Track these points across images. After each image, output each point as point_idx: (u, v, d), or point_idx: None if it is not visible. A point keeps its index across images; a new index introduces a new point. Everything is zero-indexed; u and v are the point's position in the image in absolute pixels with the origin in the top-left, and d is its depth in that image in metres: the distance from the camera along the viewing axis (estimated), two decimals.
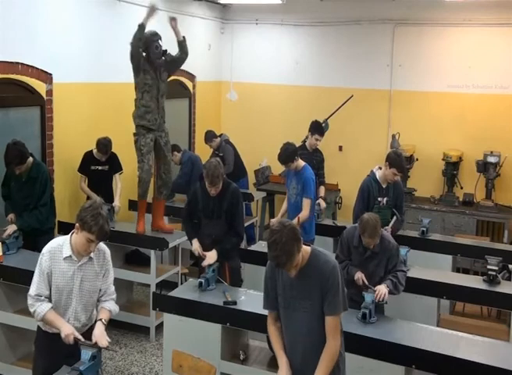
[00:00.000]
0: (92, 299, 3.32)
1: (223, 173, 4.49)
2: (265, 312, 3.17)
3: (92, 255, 3.23)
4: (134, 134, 5.40)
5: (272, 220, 5.66)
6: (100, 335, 3.13)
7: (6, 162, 4.79)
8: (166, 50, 5.38)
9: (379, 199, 5.09)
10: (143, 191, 5.51)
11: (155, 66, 5.30)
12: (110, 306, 3.35)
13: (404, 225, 5.49)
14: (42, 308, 3.18)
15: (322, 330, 2.93)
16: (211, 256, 4.48)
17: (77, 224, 3.12)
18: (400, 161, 4.99)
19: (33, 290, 3.22)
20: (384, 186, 5.10)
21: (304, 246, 2.88)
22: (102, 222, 3.06)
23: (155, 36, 5.28)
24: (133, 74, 5.30)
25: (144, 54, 5.26)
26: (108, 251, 3.38)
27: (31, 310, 3.23)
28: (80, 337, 3.12)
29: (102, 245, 3.35)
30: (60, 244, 3.22)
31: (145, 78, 5.26)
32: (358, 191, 5.17)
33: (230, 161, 7.39)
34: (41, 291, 3.20)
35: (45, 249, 3.24)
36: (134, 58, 5.19)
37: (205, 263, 4.43)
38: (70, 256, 3.19)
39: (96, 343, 3.07)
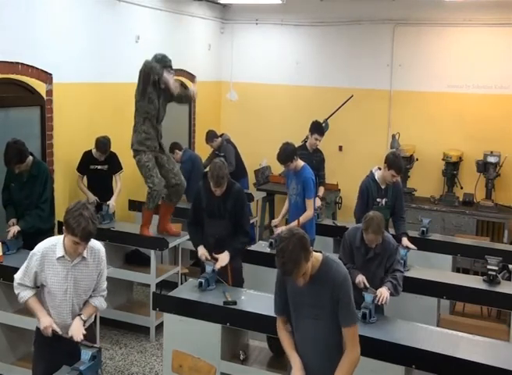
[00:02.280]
0: (87, 297, 3.33)
1: (228, 173, 4.49)
2: (265, 312, 3.18)
3: (85, 254, 3.22)
4: (134, 155, 5.28)
5: (273, 221, 5.65)
6: (76, 330, 3.16)
7: (6, 161, 4.79)
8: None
9: (378, 200, 5.09)
10: (154, 204, 5.42)
11: (159, 95, 5.20)
12: (96, 302, 3.36)
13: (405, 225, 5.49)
14: (26, 293, 3.27)
15: (331, 337, 2.93)
16: (223, 258, 4.45)
17: (63, 227, 3.13)
18: (398, 162, 4.98)
19: (18, 277, 3.31)
20: (383, 187, 5.09)
21: (315, 253, 2.87)
22: (85, 223, 3.01)
23: (170, 62, 5.17)
24: (138, 97, 5.14)
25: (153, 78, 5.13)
26: (102, 249, 3.36)
27: (15, 292, 3.32)
28: (58, 329, 3.18)
29: (97, 244, 3.33)
30: (53, 244, 3.22)
31: (149, 107, 5.14)
32: (358, 191, 5.17)
33: (232, 160, 7.39)
34: (24, 282, 3.28)
35: (37, 249, 3.25)
36: (145, 79, 5.06)
37: (218, 266, 4.39)
38: (63, 256, 3.20)
39: (71, 337, 3.11)
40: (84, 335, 3.15)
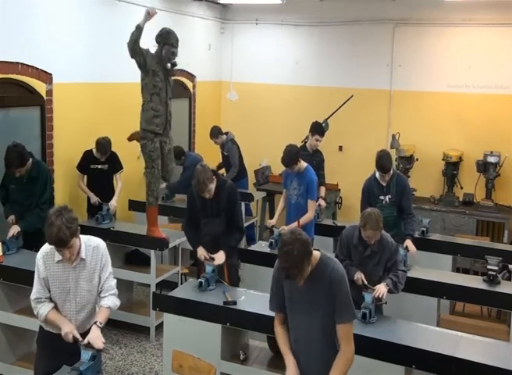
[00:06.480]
0: (92, 297, 3.30)
1: (210, 175, 4.42)
2: (265, 312, 3.17)
3: (83, 255, 3.19)
4: (141, 138, 5.19)
5: (270, 221, 5.64)
6: (95, 338, 3.09)
7: (6, 165, 4.78)
8: (176, 64, 5.15)
9: (381, 197, 5.13)
10: (154, 197, 5.33)
11: (164, 67, 5.08)
12: (108, 303, 3.29)
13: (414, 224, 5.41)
14: (44, 309, 3.22)
15: (326, 334, 2.93)
16: (220, 257, 4.47)
17: None
18: (379, 162, 5.04)
19: (33, 293, 3.26)
20: (384, 184, 5.13)
21: (313, 252, 2.87)
22: (55, 231, 2.98)
23: (177, 41, 5.04)
24: (141, 74, 5.05)
25: (150, 51, 5.04)
26: (101, 244, 3.30)
27: (34, 312, 3.27)
28: (78, 336, 3.14)
29: (95, 241, 3.29)
30: (52, 248, 3.19)
31: (154, 80, 5.01)
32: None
33: (235, 162, 7.35)
34: (40, 295, 3.23)
35: (39, 254, 3.24)
36: (136, 56, 4.95)
37: (216, 263, 4.42)
38: (62, 259, 3.18)
39: (91, 345, 3.06)
40: (104, 346, 3.09)
